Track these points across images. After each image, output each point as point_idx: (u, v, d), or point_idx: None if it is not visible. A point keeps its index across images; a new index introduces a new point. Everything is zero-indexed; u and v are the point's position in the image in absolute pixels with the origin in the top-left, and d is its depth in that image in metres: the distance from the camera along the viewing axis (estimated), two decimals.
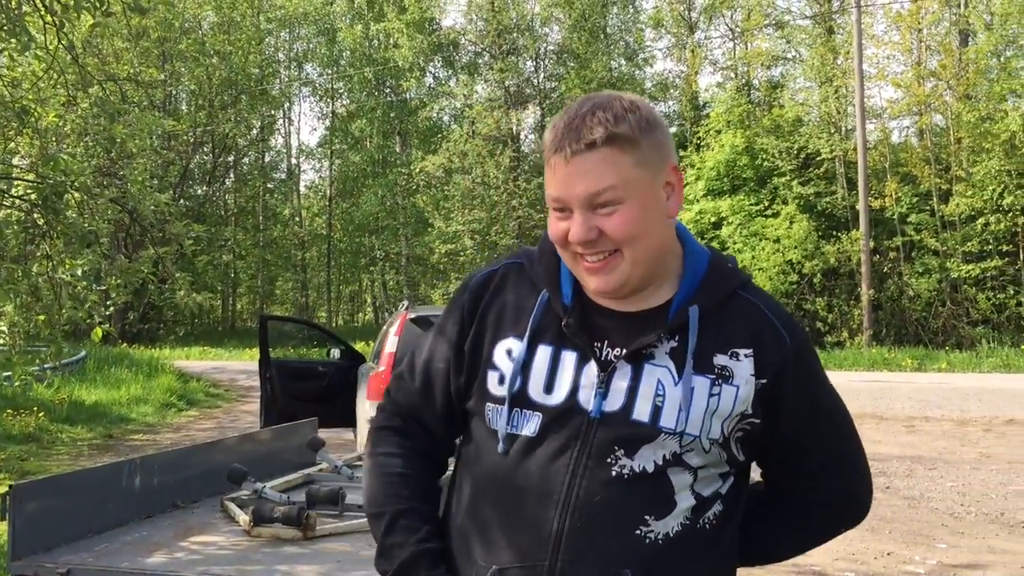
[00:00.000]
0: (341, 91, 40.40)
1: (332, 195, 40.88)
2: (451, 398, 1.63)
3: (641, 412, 1.48)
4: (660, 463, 1.47)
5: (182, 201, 34.72)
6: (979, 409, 13.17)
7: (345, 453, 6.06)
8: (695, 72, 34.39)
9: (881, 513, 7.38)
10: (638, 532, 1.46)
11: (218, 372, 21.49)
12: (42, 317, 7.18)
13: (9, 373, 8.80)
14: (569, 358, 1.52)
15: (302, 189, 44.42)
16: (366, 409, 7.33)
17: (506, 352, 1.56)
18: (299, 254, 40.68)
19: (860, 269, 25.30)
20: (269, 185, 41.83)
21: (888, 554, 6.33)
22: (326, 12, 39.65)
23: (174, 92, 37.10)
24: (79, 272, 7.17)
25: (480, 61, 37.26)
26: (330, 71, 39.84)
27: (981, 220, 24.43)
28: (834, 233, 26.40)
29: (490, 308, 1.61)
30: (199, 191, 38.24)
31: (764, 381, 1.51)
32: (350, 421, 8.01)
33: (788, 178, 27.29)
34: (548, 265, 1.59)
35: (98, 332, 7.93)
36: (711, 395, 1.48)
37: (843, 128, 28.62)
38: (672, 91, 36.31)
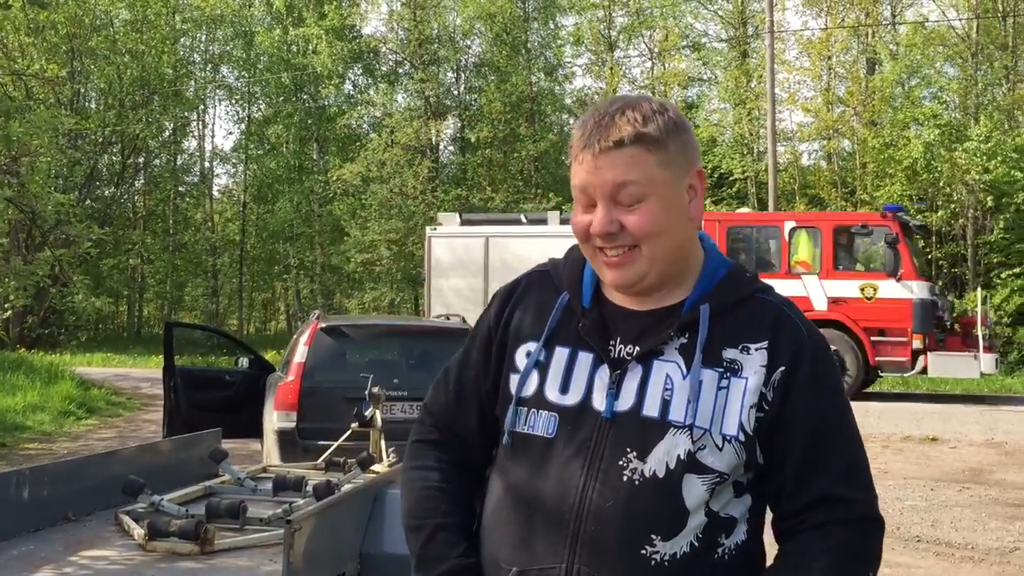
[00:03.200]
0: (258, 95, 39.73)
1: (246, 201, 40.12)
2: (483, 406, 1.67)
3: (650, 407, 1.50)
4: (673, 466, 1.47)
5: (88, 202, 33.65)
6: (878, 426, 13.59)
7: (250, 465, 5.91)
8: (614, 89, 34.84)
9: None
10: (643, 552, 1.46)
11: (121, 379, 20.82)
12: None
13: None
14: (585, 359, 1.56)
15: (215, 194, 43.49)
16: (273, 420, 7.17)
17: (526, 354, 1.61)
18: (210, 260, 39.77)
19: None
20: (181, 188, 40.80)
21: None
22: (244, 15, 38.98)
23: (82, 90, 35.95)
24: None
25: (400, 70, 37.14)
26: (247, 75, 39.14)
27: None
28: None
29: (514, 313, 1.66)
30: (106, 192, 37.06)
31: (777, 368, 1.51)
32: (256, 432, 7.81)
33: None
34: (571, 269, 1.65)
35: None
36: (719, 388, 1.50)
37: (755, 149, 29.38)
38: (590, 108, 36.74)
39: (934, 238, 25.19)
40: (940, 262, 25.30)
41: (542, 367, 1.58)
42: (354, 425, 5.23)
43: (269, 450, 7.19)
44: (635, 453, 1.48)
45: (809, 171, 29.12)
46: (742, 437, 1.48)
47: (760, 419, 1.50)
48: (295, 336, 8.45)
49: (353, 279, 35.50)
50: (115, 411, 15.84)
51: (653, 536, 1.46)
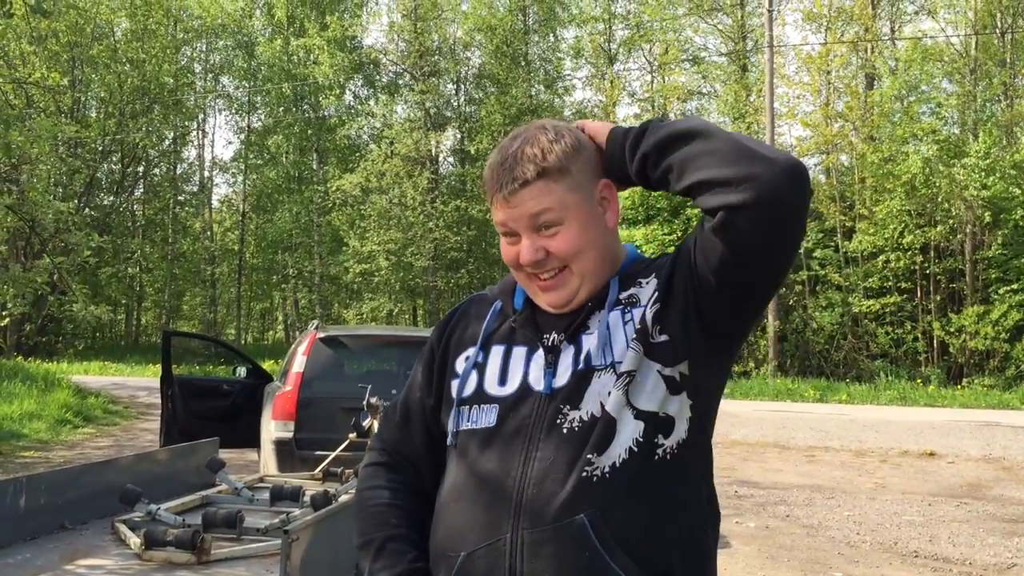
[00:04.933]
0: (258, 105, 39.82)
1: (245, 210, 40.15)
2: (429, 425, 1.73)
3: (577, 367, 1.57)
4: (606, 404, 1.52)
5: (87, 211, 33.67)
6: (876, 440, 13.58)
7: (247, 475, 5.90)
8: (613, 103, 34.96)
9: (781, 541, 7.53)
10: (584, 474, 1.48)
11: (118, 388, 20.79)
12: None
13: None
14: (519, 352, 1.63)
15: (215, 203, 43.54)
16: (271, 429, 7.16)
17: (464, 359, 1.68)
18: (209, 269, 39.77)
19: None
20: (180, 197, 40.87)
21: None
22: (245, 25, 39.09)
23: (83, 99, 36.02)
24: None
25: (401, 82, 37.23)
26: (247, 84, 39.23)
27: (882, 257, 25.29)
28: None
29: (454, 331, 1.75)
30: (106, 201, 37.09)
31: (663, 278, 1.59)
32: (254, 442, 7.80)
33: (700, 211, 27.86)
34: (504, 283, 1.75)
35: None
36: (625, 323, 1.57)
37: None
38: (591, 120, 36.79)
39: (932, 253, 25.21)
40: (938, 277, 25.31)
41: (480, 367, 1.65)
42: (352, 435, 5.22)
43: (266, 460, 7.18)
44: (568, 406, 1.53)
45: None
46: (634, 334, 1.54)
47: (656, 304, 1.56)
48: (293, 346, 8.45)
49: (351, 289, 35.51)
50: (112, 420, 15.81)
51: (589, 456, 1.49)
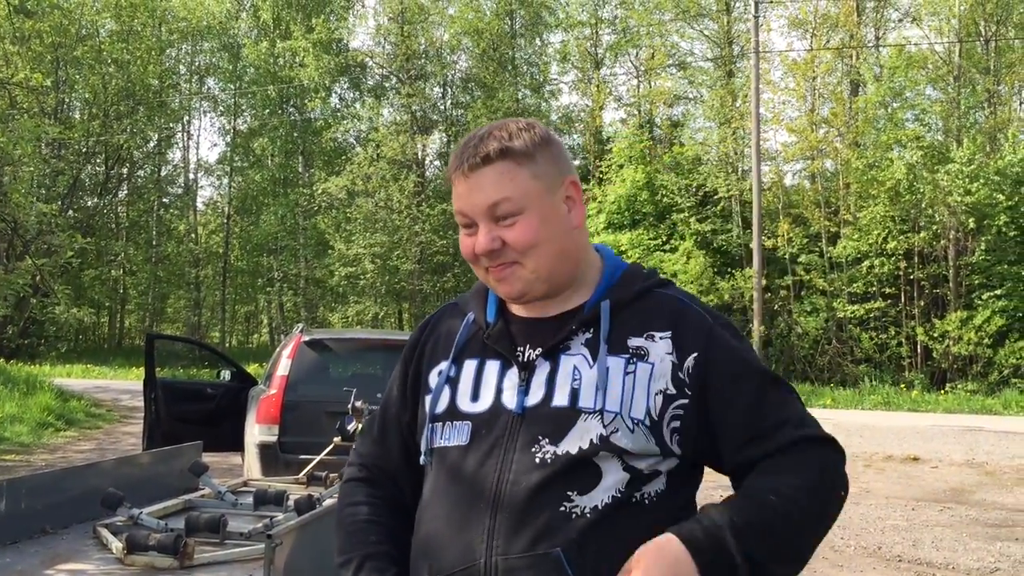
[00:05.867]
0: (243, 108, 39.67)
1: (230, 213, 39.98)
2: (405, 439, 1.70)
3: (560, 398, 1.51)
4: (586, 447, 1.46)
5: (71, 212, 33.46)
6: (860, 445, 13.62)
7: (231, 479, 5.87)
8: (600, 107, 35.01)
9: None
10: (562, 508, 1.45)
11: (101, 391, 20.65)
12: None
13: None
14: (492, 366, 1.58)
15: (199, 205, 43.31)
16: (255, 433, 7.12)
17: (437, 374, 1.64)
18: (193, 272, 39.56)
19: (752, 306, 26.01)
20: (164, 200, 40.62)
21: None
22: (230, 27, 38.95)
23: (67, 100, 35.80)
24: None
25: (387, 84, 37.18)
26: (233, 87, 39.07)
27: (866, 263, 25.42)
28: (729, 270, 27.10)
29: (427, 344, 1.71)
30: (89, 203, 36.86)
31: (689, 355, 1.51)
32: (238, 445, 7.76)
33: (686, 214, 27.95)
34: (476, 293, 1.71)
35: None
36: (627, 373, 1.50)
37: (740, 168, 29.51)
38: (577, 125, 36.85)
39: (916, 259, 25.37)
40: (922, 283, 25.46)
41: (452, 382, 1.61)
42: (337, 439, 5.20)
43: (250, 464, 7.14)
44: (547, 440, 1.48)
45: (793, 191, 29.27)
46: (648, 422, 1.48)
47: (683, 406, 1.49)
48: (278, 349, 8.41)
49: (337, 293, 35.41)
50: (94, 423, 15.71)
51: (569, 493, 1.45)
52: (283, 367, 7.29)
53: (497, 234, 1.53)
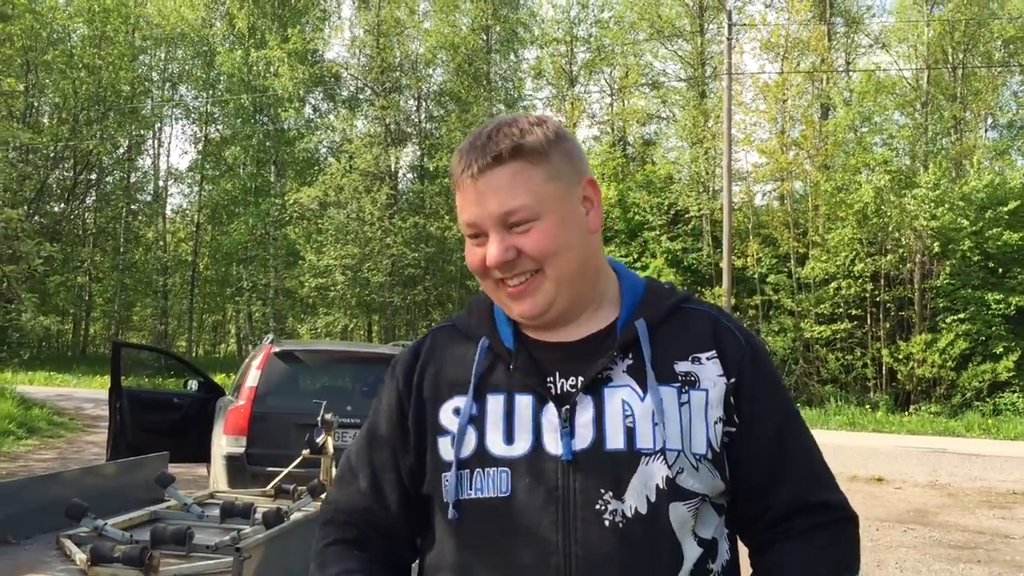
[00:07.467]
0: (216, 116, 39.46)
1: (200, 221, 39.69)
2: (405, 487, 1.48)
3: (614, 439, 1.35)
4: (653, 499, 1.33)
5: (37, 218, 33.06)
6: None
7: (197, 490, 5.80)
8: (573, 124, 35.18)
9: None
10: None
11: (64, 399, 20.36)
12: None
13: None
14: (524, 401, 1.39)
15: (168, 213, 42.95)
16: (222, 444, 7.05)
17: (453, 411, 1.42)
18: (161, 280, 39.21)
19: None
20: (133, 207, 40.26)
21: None
22: (205, 35, 38.78)
23: (36, 103, 35.43)
24: None
25: (361, 96, 37.17)
26: (205, 95, 38.86)
27: (833, 284, 25.69)
28: (699, 288, 27.27)
29: (424, 376, 1.48)
30: (56, 208, 36.46)
31: (732, 380, 1.41)
32: (204, 456, 7.68)
33: (657, 233, 28.12)
34: (481, 314, 1.50)
35: None
36: (681, 404, 1.37)
37: (711, 188, 29.76)
38: None
39: (882, 281, 25.68)
40: (888, 305, 25.77)
41: (476, 421, 1.39)
42: (305, 452, 5.16)
43: (217, 475, 7.07)
44: (610, 493, 1.33)
45: (763, 211, 29.56)
46: (710, 455, 1.37)
47: (730, 434, 1.41)
48: (247, 360, 8.34)
49: (306, 304, 35.22)
50: (56, 432, 15.46)
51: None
52: (252, 378, 7.23)
53: (511, 242, 1.36)
